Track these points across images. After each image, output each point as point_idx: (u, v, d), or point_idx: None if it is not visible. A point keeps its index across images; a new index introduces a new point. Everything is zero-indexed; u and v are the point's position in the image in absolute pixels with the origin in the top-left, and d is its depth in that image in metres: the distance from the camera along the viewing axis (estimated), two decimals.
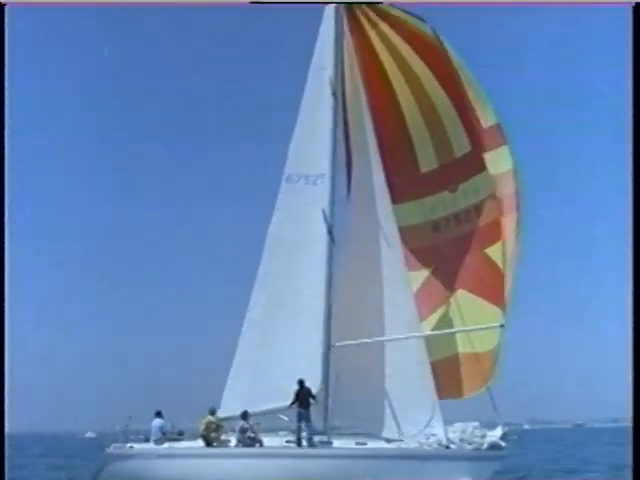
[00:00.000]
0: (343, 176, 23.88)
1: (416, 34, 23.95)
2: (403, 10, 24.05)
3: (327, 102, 23.44)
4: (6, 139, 16.89)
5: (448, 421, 21.19)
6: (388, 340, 21.90)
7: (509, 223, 23.51)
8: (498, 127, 24.02)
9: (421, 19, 23.95)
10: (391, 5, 24.21)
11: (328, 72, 23.54)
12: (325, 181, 23.02)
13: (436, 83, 24.18)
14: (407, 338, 21.78)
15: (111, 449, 20.77)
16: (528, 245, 24.44)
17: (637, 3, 16.92)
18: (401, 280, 22.49)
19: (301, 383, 20.69)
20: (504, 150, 23.86)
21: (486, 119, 24.02)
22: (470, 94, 23.89)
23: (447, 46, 23.75)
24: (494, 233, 23.78)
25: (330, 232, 22.51)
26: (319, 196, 22.94)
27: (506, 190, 23.70)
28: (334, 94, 23.42)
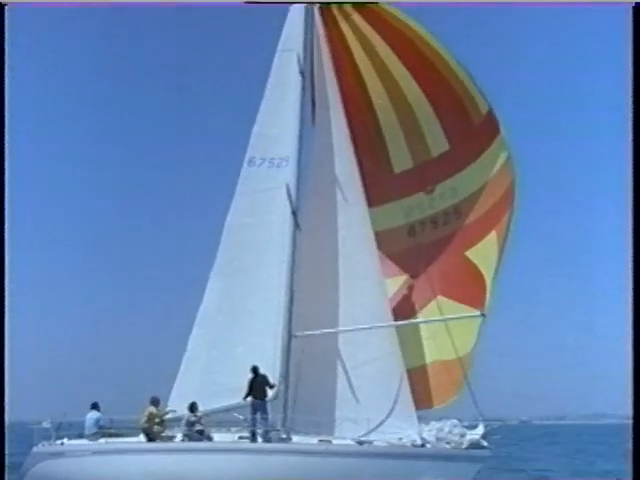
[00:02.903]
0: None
1: (392, 26, 22.35)
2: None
3: (294, 83, 21.79)
4: (6, 139, 16.33)
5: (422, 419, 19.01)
6: (353, 330, 19.78)
7: (504, 217, 21.83)
8: (490, 116, 22.23)
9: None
10: None
11: (296, 52, 22.00)
12: (290, 164, 21.21)
13: (411, 79, 22.55)
14: (374, 328, 19.67)
15: (39, 447, 18.25)
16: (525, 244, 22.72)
17: (637, 3, 16.26)
18: (371, 270, 20.53)
19: (255, 370, 18.50)
20: (499, 140, 22.10)
21: (477, 114, 22.22)
22: (456, 88, 22.27)
23: (431, 38, 22.24)
24: (475, 234, 22.10)
25: (294, 214, 20.59)
26: (283, 180, 21.06)
27: (503, 181, 22.00)
28: (302, 73, 21.84)
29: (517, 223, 22.07)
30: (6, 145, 16.18)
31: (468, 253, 22.04)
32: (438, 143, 22.57)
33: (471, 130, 21.98)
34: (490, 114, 21.97)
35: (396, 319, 20.68)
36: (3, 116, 16.43)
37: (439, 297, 21.83)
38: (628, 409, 14.64)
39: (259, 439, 17.86)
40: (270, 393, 18.63)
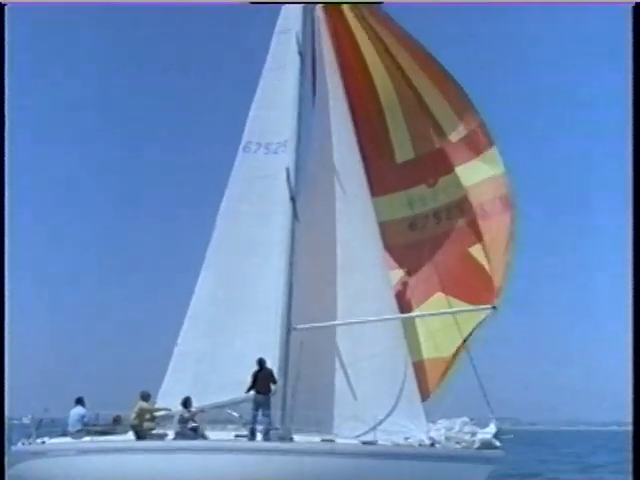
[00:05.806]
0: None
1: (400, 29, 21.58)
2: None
3: (292, 64, 20.76)
4: (6, 139, 16.26)
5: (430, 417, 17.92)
6: (355, 323, 18.68)
7: (500, 225, 20.73)
8: (483, 128, 21.08)
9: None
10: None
11: (295, 32, 20.95)
12: (288, 149, 20.11)
13: (421, 71, 21.45)
14: (377, 321, 18.58)
15: (18, 446, 16.97)
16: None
17: (637, 3, 15.92)
18: (373, 261, 19.50)
19: (261, 363, 17.27)
20: (492, 153, 20.94)
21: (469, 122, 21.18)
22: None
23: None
24: (477, 232, 21.04)
25: (293, 200, 19.47)
26: (280, 167, 19.94)
27: (495, 193, 20.80)
28: (301, 54, 20.79)
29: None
30: (6, 144, 16.01)
31: (472, 250, 21.01)
32: (454, 129, 21.35)
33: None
34: (483, 125, 21.06)
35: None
36: (3, 115, 16.29)
37: (438, 294, 20.86)
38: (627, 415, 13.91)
39: (258, 437, 16.66)
40: (274, 388, 17.45)
